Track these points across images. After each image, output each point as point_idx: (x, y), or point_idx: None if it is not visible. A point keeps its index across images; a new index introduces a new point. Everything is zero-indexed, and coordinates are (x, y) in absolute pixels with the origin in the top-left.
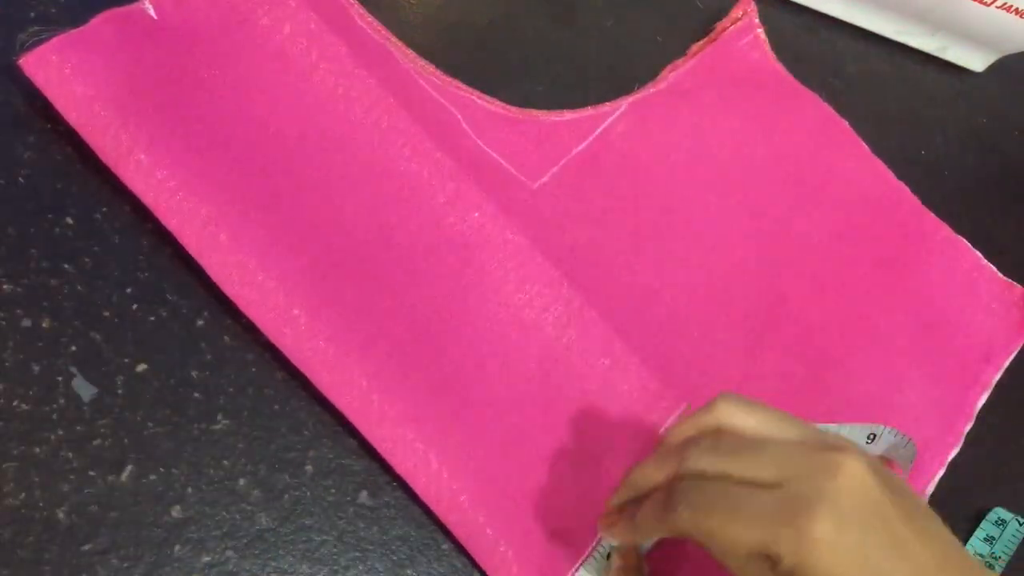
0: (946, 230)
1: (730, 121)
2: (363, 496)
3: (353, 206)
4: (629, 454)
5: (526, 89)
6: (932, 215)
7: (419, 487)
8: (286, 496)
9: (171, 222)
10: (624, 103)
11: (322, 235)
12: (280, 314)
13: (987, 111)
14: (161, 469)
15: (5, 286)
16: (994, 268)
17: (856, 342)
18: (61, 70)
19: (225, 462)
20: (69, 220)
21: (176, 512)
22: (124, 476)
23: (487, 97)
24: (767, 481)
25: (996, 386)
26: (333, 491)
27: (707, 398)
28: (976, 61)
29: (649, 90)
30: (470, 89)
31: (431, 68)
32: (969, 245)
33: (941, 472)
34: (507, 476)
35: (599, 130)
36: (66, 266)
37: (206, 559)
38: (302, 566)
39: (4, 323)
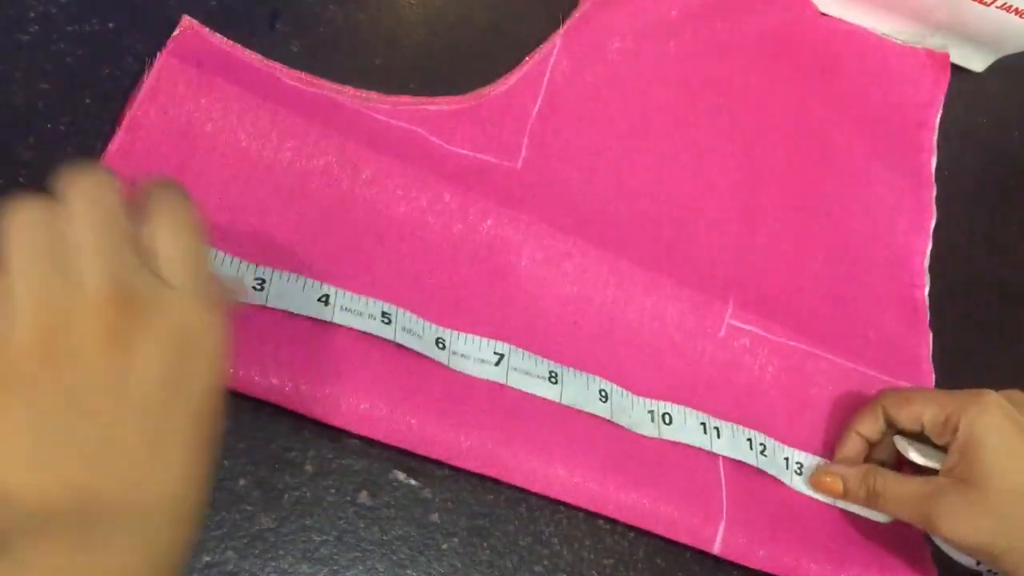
0: (845, 23)
1: (660, 10)
2: (363, 496)
3: (377, 271)
4: (701, 365)
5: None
6: (833, 18)
7: (565, 493)
8: (286, 496)
9: None
10: (556, 39)
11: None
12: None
13: (987, 111)
14: None
15: None
16: (893, 39)
17: (824, 163)
18: None
19: (225, 462)
20: None
21: None
22: None
23: (434, 99)
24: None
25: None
26: (333, 491)
27: (739, 285)
28: (976, 61)
29: (575, 16)
30: (417, 99)
31: (374, 95)
32: (866, 28)
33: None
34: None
35: (546, 79)
36: None
37: (206, 559)
38: (302, 566)
39: None
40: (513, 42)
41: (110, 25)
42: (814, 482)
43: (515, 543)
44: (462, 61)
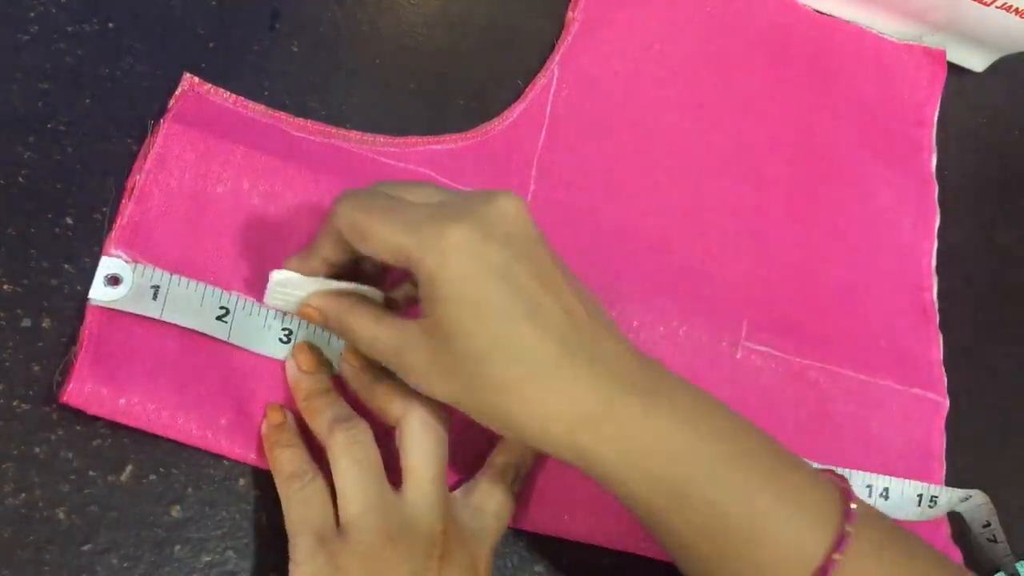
0: (842, 23)
1: (652, 26)
2: None
3: None
4: (719, 389)
5: (525, 89)
6: (829, 17)
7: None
8: None
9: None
10: (553, 67)
11: None
12: None
13: (987, 111)
14: (161, 469)
15: (5, 286)
16: (891, 38)
17: (828, 171)
18: (100, 391)
19: (225, 462)
20: (69, 220)
21: (176, 512)
22: (124, 476)
23: (440, 137)
24: (424, 201)
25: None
26: None
27: (752, 304)
28: (976, 61)
29: (567, 43)
30: (423, 139)
31: (381, 138)
32: (862, 27)
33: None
34: None
35: (548, 110)
36: (66, 266)
37: (206, 559)
38: None
39: (4, 323)
40: (513, 42)
41: (110, 25)
42: (300, 311)
43: (515, 543)
44: (462, 61)
